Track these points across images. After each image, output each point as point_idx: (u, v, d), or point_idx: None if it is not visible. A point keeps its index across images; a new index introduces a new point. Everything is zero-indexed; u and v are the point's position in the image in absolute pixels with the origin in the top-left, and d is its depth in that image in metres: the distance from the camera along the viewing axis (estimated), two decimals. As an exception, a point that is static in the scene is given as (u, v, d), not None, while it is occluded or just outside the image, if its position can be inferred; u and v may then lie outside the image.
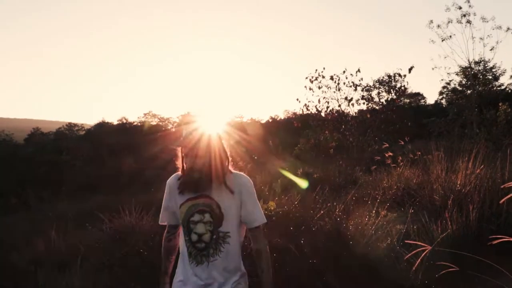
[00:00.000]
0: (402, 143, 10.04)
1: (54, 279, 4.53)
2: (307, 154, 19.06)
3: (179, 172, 2.52)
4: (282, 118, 64.70)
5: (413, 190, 6.66)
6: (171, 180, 2.54)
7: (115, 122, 66.32)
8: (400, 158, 9.00)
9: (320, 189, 5.96)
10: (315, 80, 15.10)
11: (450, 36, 15.35)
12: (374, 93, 15.75)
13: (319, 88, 15.28)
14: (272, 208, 4.49)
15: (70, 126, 76.24)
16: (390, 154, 9.45)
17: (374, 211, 5.04)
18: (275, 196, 5.90)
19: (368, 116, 15.46)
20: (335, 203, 5.06)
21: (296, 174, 12.82)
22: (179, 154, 2.48)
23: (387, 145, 10.63)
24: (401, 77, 14.53)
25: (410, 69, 13.92)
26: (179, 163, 2.51)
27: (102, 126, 62.96)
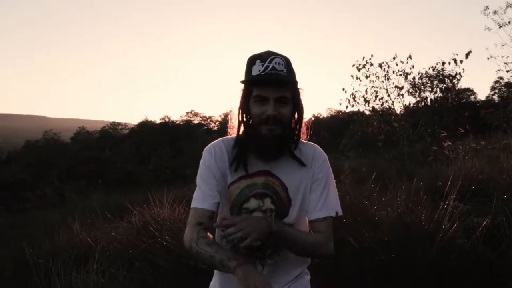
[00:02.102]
0: (462, 131, 9.04)
1: (69, 274, 3.95)
2: (352, 149, 18.26)
3: (230, 136, 1.87)
4: (325, 116, 63.86)
5: (483, 181, 5.74)
6: (218, 144, 1.86)
7: (158, 121, 67.30)
8: (461, 148, 8.08)
9: (372, 182, 5.19)
10: (362, 68, 14.16)
11: (510, 22, 14.01)
12: (425, 82, 14.58)
13: (367, 77, 14.33)
14: None
15: (114, 125, 77.98)
16: (450, 143, 8.54)
17: (443, 203, 4.21)
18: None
19: (420, 106, 14.40)
20: (396, 194, 4.22)
21: (342, 170, 12.10)
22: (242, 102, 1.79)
23: (445, 134, 9.65)
24: (456, 64, 13.31)
25: (467, 54, 12.71)
26: (234, 122, 1.85)
27: (145, 125, 64.00)
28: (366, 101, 14.47)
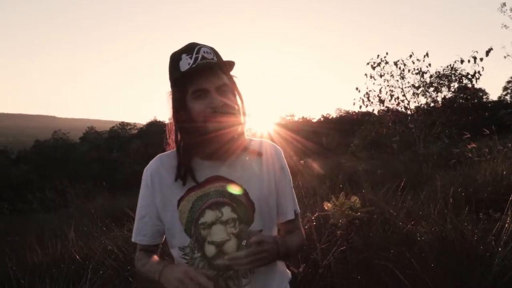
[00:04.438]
0: (488, 132, 8.47)
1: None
2: (364, 150, 17.80)
3: (169, 151, 1.68)
4: (335, 116, 63.32)
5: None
6: (155, 164, 1.66)
7: (167, 121, 66.65)
8: (487, 150, 7.52)
9: (388, 188, 4.67)
10: (377, 66, 13.57)
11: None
12: (442, 81, 13.99)
13: (381, 76, 13.75)
14: (357, 206, 3.02)
15: (123, 125, 78.07)
16: (474, 145, 7.97)
17: (482, 214, 3.68)
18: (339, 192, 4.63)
19: (437, 106, 13.78)
20: (431, 205, 3.65)
21: (356, 172, 11.67)
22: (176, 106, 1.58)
23: (469, 135, 9.10)
24: (475, 62, 12.68)
25: (488, 52, 12.13)
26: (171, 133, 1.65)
27: (154, 125, 63.86)
28: (381, 100, 13.91)
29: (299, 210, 1.74)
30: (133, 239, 1.68)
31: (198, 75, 1.50)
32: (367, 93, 13.89)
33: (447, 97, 14.14)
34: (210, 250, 1.54)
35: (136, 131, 73.16)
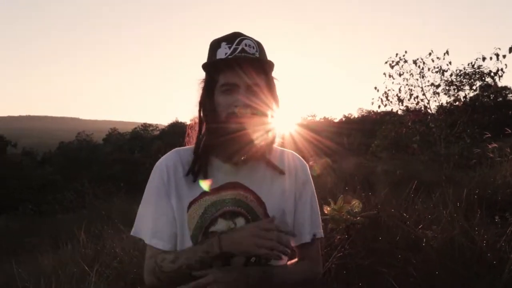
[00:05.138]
0: (510, 131, 8.23)
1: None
2: (385, 151, 17.53)
3: (188, 146, 1.54)
4: (356, 116, 62.79)
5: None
6: (172, 157, 1.50)
7: (188, 122, 67.00)
8: (510, 150, 7.29)
9: (406, 189, 4.50)
10: (395, 65, 13.33)
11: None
12: (463, 79, 13.66)
13: (400, 75, 13.49)
14: (357, 210, 2.90)
15: (145, 127, 78.82)
16: (495, 145, 7.75)
17: (497, 217, 3.52)
18: (354, 194, 4.52)
19: (459, 104, 13.47)
20: (441, 207, 3.50)
21: (374, 172, 11.51)
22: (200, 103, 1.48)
23: (489, 135, 8.86)
24: (498, 59, 12.35)
25: (511, 48, 11.83)
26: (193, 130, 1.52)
27: (175, 126, 64.31)
28: (400, 100, 13.66)
29: (322, 235, 1.54)
30: (147, 241, 1.45)
31: (231, 67, 1.38)
32: (385, 92, 13.67)
33: (469, 95, 13.84)
34: (216, 262, 1.39)
35: (158, 132, 73.74)
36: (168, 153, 1.52)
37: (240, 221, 1.42)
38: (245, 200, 1.43)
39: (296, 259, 1.53)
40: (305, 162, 1.57)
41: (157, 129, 77.93)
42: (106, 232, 5.60)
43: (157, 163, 1.50)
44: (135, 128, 78.66)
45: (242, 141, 1.37)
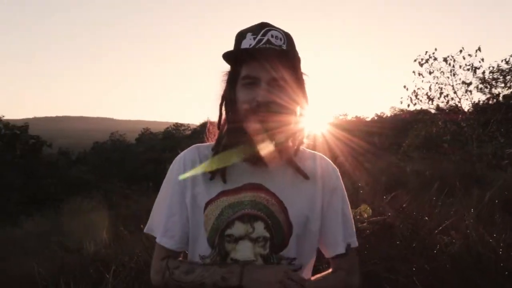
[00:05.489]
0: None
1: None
2: (416, 150, 17.19)
3: (209, 143, 1.46)
4: (389, 115, 61.80)
5: None
6: (191, 153, 1.43)
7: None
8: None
9: (434, 189, 4.36)
10: (425, 63, 13.04)
11: None
12: (497, 77, 13.22)
13: (430, 73, 13.19)
14: (365, 216, 2.81)
15: (177, 126, 79.56)
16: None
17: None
18: (375, 197, 4.42)
19: (492, 103, 13.08)
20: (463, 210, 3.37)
21: (404, 172, 11.31)
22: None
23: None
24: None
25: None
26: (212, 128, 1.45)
27: (207, 126, 64.65)
28: (430, 98, 13.35)
29: (356, 244, 1.44)
30: (158, 240, 1.41)
31: (254, 59, 1.29)
32: (414, 91, 13.39)
33: (503, 93, 13.40)
34: None
35: (190, 132, 74.35)
36: (188, 148, 1.46)
37: (259, 226, 1.32)
38: (266, 204, 1.33)
39: (330, 270, 1.44)
40: (336, 168, 1.46)
41: (189, 128, 78.58)
42: (129, 231, 5.65)
43: (175, 159, 1.44)
44: (167, 128, 79.55)
45: (262, 140, 1.28)
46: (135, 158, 48.14)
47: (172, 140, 64.69)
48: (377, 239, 2.87)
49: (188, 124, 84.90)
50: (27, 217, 12.31)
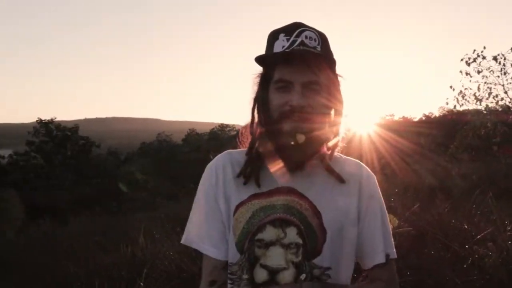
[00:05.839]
0: None
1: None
2: (464, 152, 16.63)
3: (241, 149, 1.41)
4: (437, 115, 60.11)
5: None
6: (222, 159, 1.39)
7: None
8: None
9: (480, 194, 4.15)
10: (473, 62, 12.52)
11: None
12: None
13: (479, 72, 12.66)
14: (392, 226, 2.70)
15: (222, 127, 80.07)
16: None
17: None
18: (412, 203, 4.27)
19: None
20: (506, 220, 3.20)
21: (450, 176, 10.96)
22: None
23: None
24: None
25: None
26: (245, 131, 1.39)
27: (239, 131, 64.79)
28: (478, 99, 12.82)
29: (395, 255, 1.36)
30: (198, 247, 1.34)
31: (287, 62, 1.24)
32: (461, 91, 12.88)
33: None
34: (261, 275, 1.27)
35: (235, 132, 74.73)
36: (220, 154, 1.41)
37: (292, 231, 1.26)
38: (299, 208, 1.28)
39: (368, 282, 1.36)
40: (373, 175, 1.39)
41: (234, 129, 79.01)
42: (165, 234, 5.71)
43: (207, 165, 1.39)
44: (213, 128, 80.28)
45: (296, 144, 1.23)
46: (181, 158, 48.85)
47: (218, 140, 65.31)
48: (406, 250, 2.76)
49: (234, 124, 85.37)
50: (75, 216, 12.70)
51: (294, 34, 1.25)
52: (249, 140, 1.36)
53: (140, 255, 4.84)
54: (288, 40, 1.25)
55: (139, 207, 12.33)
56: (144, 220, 9.70)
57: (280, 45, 1.26)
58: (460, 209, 4.22)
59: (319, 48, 1.27)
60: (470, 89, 12.91)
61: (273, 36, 1.29)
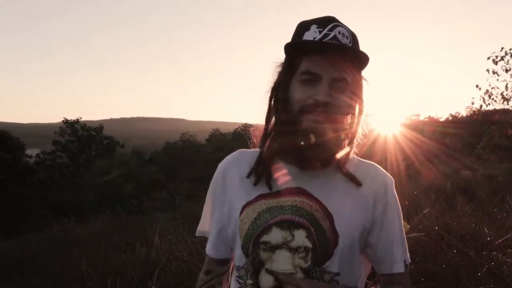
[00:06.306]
0: None
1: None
2: (491, 153, 16.27)
3: (254, 149, 1.33)
4: (464, 115, 59.08)
5: None
6: (231, 158, 1.35)
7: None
8: None
9: (502, 198, 3.99)
10: (500, 60, 12.14)
11: None
12: None
13: (507, 71, 12.27)
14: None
15: (246, 127, 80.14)
16: None
17: None
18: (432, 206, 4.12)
19: None
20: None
21: (475, 177, 10.72)
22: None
23: None
24: None
25: None
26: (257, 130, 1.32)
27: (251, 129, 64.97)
28: (505, 98, 12.45)
29: (409, 260, 1.31)
30: (198, 233, 1.42)
31: (318, 54, 1.16)
32: (487, 90, 12.52)
33: None
34: (266, 281, 1.20)
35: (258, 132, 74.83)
36: (232, 153, 1.37)
37: (300, 234, 1.18)
38: (309, 210, 1.19)
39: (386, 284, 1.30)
40: (392, 179, 1.30)
41: (257, 129, 79.17)
42: (179, 235, 5.68)
43: (219, 164, 1.36)
44: (236, 128, 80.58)
45: (314, 142, 1.14)
46: (205, 158, 49.11)
47: (241, 140, 65.46)
48: (421, 256, 2.64)
49: (257, 124, 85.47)
50: (96, 216, 12.84)
51: (328, 28, 1.18)
52: (262, 134, 1.29)
53: (154, 255, 4.82)
54: (320, 32, 1.17)
55: (159, 207, 12.37)
56: (162, 220, 9.74)
57: (312, 36, 1.18)
58: (482, 212, 4.05)
59: (351, 45, 1.20)
60: (497, 88, 12.55)
61: (304, 26, 1.21)
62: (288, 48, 1.21)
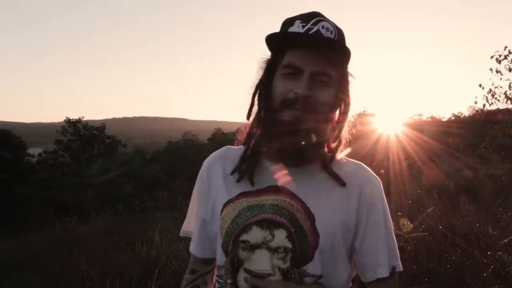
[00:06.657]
0: None
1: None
2: (494, 153, 16.23)
3: (241, 146, 1.31)
4: (467, 115, 59.03)
5: None
6: (216, 154, 1.35)
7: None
8: None
9: (505, 198, 3.94)
10: (504, 59, 12.07)
11: None
12: None
13: (510, 70, 12.20)
14: (405, 230, 2.49)
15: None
16: None
17: None
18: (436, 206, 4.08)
19: None
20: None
21: (477, 177, 10.69)
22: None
23: None
24: None
25: None
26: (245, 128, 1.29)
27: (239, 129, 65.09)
28: (509, 98, 12.39)
29: (401, 268, 1.23)
30: (182, 233, 1.41)
31: (299, 48, 1.14)
32: (490, 90, 12.46)
33: None
34: (243, 281, 1.18)
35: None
36: (218, 149, 1.36)
37: (280, 234, 1.15)
38: (290, 209, 1.16)
39: None
40: (379, 181, 1.26)
41: (244, 126, 79.30)
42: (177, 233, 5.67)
43: (204, 160, 1.35)
44: (239, 128, 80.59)
45: (294, 139, 1.12)
46: (206, 157, 49.18)
47: (243, 140, 65.54)
48: (424, 256, 2.59)
49: (245, 122, 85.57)
50: (98, 215, 12.82)
51: (311, 22, 1.16)
52: (246, 131, 1.27)
53: (155, 254, 4.79)
54: (303, 27, 1.15)
55: (160, 206, 12.36)
56: (163, 219, 9.71)
57: (295, 31, 1.16)
58: (486, 211, 4.01)
59: (336, 39, 1.18)
60: (501, 87, 12.50)
61: (288, 22, 1.20)
62: (268, 40, 1.19)
